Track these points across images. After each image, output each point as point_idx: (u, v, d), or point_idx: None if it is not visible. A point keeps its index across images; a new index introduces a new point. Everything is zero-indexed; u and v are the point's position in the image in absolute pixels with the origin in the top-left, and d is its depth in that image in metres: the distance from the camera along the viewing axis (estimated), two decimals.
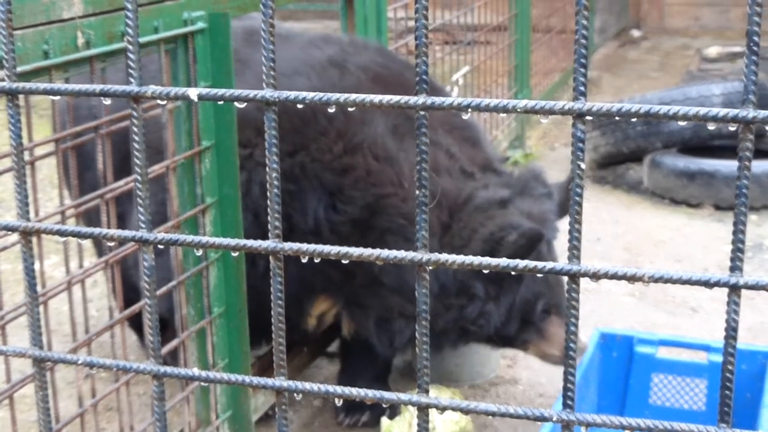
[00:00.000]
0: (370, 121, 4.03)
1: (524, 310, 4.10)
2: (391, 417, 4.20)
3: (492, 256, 3.71)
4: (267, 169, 1.35)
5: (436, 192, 3.90)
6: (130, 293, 3.57)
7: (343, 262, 3.73)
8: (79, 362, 1.54)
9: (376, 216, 3.95)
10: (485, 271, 3.72)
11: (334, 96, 1.28)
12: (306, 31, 4.83)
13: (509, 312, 4.07)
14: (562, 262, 1.27)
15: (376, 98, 1.27)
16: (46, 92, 1.46)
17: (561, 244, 4.18)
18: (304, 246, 1.35)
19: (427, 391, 1.34)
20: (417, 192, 1.30)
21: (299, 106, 4.27)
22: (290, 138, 3.94)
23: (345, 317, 4.31)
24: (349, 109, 3.88)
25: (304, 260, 1.33)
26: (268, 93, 1.32)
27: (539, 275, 3.85)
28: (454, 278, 3.92)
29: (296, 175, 3.94)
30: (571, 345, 1.29)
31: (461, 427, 4.49)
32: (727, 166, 7.69)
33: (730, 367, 1.26)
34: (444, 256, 1.29)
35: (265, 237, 1.34)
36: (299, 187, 3.94)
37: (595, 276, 1.26)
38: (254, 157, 3.91)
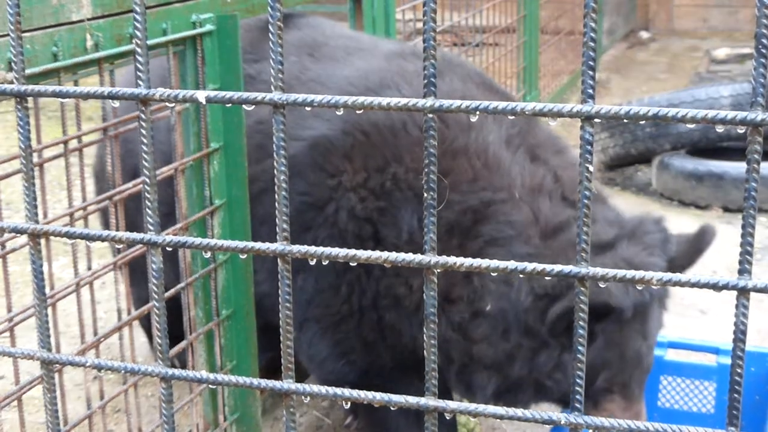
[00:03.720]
0: (478, 128, 3.75)
1: (587, 382, 3.60)
2: None
3: (542, 312, 3.43)
4: (275, 171, 1.35)
5: (444, 196, 3.62)
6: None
7: None
8: (88, 364, 1.55)
9: (480, 223, 3.61)
10: (553, 317, 3.46)
11: (342, 99, 1.28)
12: (379, 42, 4.51)
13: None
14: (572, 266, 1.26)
15: (384, 101, 1.26)
16: (54, 94, 1.46)
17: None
18: (312, 248, 1.35)
19: (435, 394, 1.34)
20: (425, 195, 1.29)
21: (391, 121, 4.06)
22: (379, 152, 3.71)
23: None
24: (454, 117, 3.73)
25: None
26: (276, 96, 1.32)
27: (614, 343, 3.51)
28: (516, 318, 3.50)
29: (388, 190, 3.66)
30: (579, 346, 1.29)
31: (469, 430, 4.49)
32: (736, 167, 7.69)
33: (738, 370, 1.25)
34: (452, 259, 1.29)
35: (352, 265, 1.32)
36: (390, 202, 3.66)
37: (604, 279, 1.26)
38: (342, 185, 3.70)
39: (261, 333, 3.91)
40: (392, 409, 3.98)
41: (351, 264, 3.63)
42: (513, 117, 3.78)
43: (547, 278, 3.47)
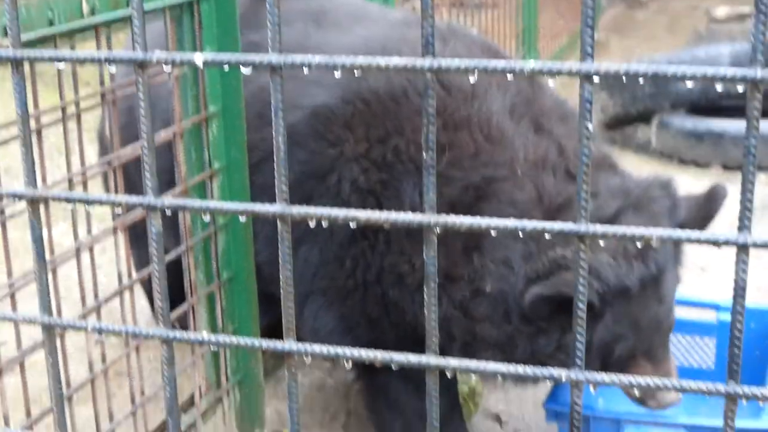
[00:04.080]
0: (481, 96, 3.66)
1: (603, 353, 3.53)
2: None
3: (540, 294, 3.35)
4: (273, 133, 1.35)
5: (451, 143, 3.55)
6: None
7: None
8: (89, 328, 1.55)
9: (482, 201, 3.55)
10: (554, 301, 3.40)
11: (340, 59, 1.28)
12: (386, 11, 4.46)
13: (588, 352, 3.45)
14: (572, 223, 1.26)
15: (383, 60, 1.26)
16: (51, 59, 1.45)
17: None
18: (311, 209, 1.35)
19: (435, 353, 1.35)
20: (424, 155, 1.29)
21: (391, 87, 4.00)
22: (381, 122, 3.66)
23: None
24: (456, 85, 3.66)
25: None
26: (273, 58, 1.31)
27: (625, 317, 3.44)
28: (515, 302, 3.47)
29: (389, 162, 3.62)
30: (579, 303, 1.29)
31: (471, 388, 4.52)
32: (735, 126, 7.68)
33: (738, 326, 1.26)
34: (452, 218, 1.29)
35: (356, 238, 1.30)
36: (392, 175, 3.62)
37: (605, 236, 1.26)
38: (344, 155, 3.67)
39: (260, 302, 3.91)
40: (394, 377, 4.01)
41: (355, 237, 3.64)
42: (516, 82, 3.74)
43: (539, 262, 3.42)
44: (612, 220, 3.46)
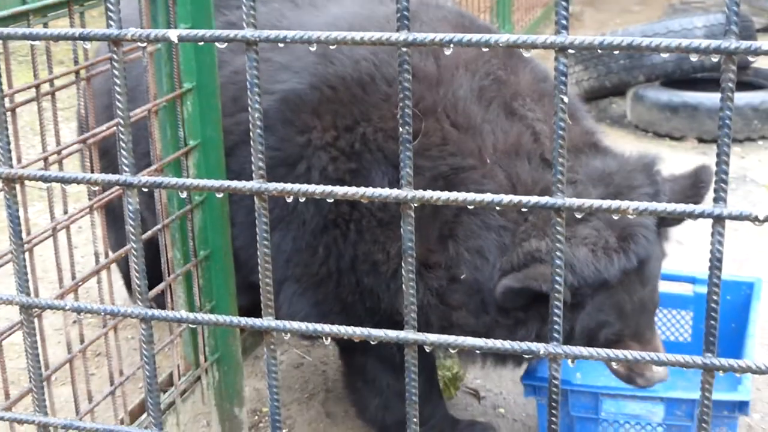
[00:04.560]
0: (448, 81, 3.59)
1: (587, 338, 3.48)
2: None
3: (511, 287, 3.31)
4: (249, 109, 1.34)
5: (419, 131, 3.49)
6: None
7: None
8: (67, 308, 1.55)
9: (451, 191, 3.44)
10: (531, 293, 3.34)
11: (315, 34, 1.27)
12: None
13: (567, 340, 3.39)
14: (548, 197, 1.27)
15: (357, 35, 1.26)
16: (24, 37, 1.44)
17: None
18: (288, 186, 1.35)
19: (414, 328, 1.35)
20: (400, 129, 1.29)
21: (359, 74, 3.89)
22: (348, 110, 3.62)
23: None
24: (422, 69, 3.60)
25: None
26: (248, 33, 1.31)
27: (608, 305, 3.41)
28: (491, 294, 3.43)
29: (357, 151, 3.58)
30: (557, 276, 1.29)
31: (454, 373, 4.53)
32: (710, 98, 7.71)
33: (715, 298, 1.26)
34: (429, 193, 1.29)
35: (328, 227, 1.30)
36: (361, 164, 3.59)
37: (580, 209, 1.26)
38: (313, 143, 3.63)
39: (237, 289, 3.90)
40: (371, 357, 4.01)
41: (326, 227, 3.63)
42: (488, 62, 3.68)
43: (514, 255, 3.37)
44: (591, 213, 3.40)
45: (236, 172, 3.74)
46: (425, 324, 3.57)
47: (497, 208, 1.25)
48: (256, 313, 1.49)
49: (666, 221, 3.49)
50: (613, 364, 3.64)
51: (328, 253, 3.66)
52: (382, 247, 3.58)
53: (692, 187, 3.55)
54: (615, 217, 3.32)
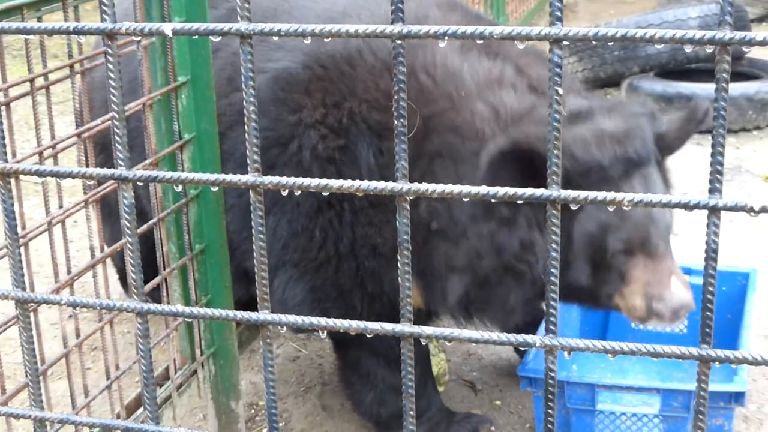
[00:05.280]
0: (425, 43, 3.56)
1: (590, 248, 3.34)
2: None
3: (500, 148, 3.20)
4: (244, 102, 1.34)
5: (415, 121, 3.44)
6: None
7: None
8: (63, 302, 1.54)
9: (426, 140, 3.43)
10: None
11: (309, 27, 1.27)
12: None
13: (566, 249, 3.28)
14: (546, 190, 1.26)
15: (351, 28, 1.26)
16: (18, 31, 1.44)
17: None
18: (284, 179, 1.34)
19: (410, 320, 1.35)
20: (396, 122, 1.29)
21: (347, 50, 3.93)
22: (336, 87, 3.62)
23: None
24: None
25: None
26: (243, 26, 1.31)
27: (608, 208, 3.21)
28: (479, 202, 3.34)
29: (345, 126, 3.57)
30: (552, 268, 1.29)
31: (439, 368, 4.53)
32: (705, 89, 7.71)
33: (710, 289, 1.27)
34: (424, 186, 1.29)
35: (322, 207, 1.30)
36: (349, 138, 3.57)
37: (575, 201, 1.26)
38: (303, 122, 3.62)
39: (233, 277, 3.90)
40: (365, 351, 4.01)
41: (321, 208, 3.62)
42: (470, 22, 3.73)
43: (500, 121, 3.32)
44: (584, 116, 3.35)
45: (227, 154, 3.73)
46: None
47: (493, 199, 1.25)
48: (252, 306, 1.49)
49: (666, 150, 3.46)
50: (630, 302, 3.39)
51: (326, 236, 3.65)
52: (378, 230, 3.58)
53: (687, 120, 3.49)
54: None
